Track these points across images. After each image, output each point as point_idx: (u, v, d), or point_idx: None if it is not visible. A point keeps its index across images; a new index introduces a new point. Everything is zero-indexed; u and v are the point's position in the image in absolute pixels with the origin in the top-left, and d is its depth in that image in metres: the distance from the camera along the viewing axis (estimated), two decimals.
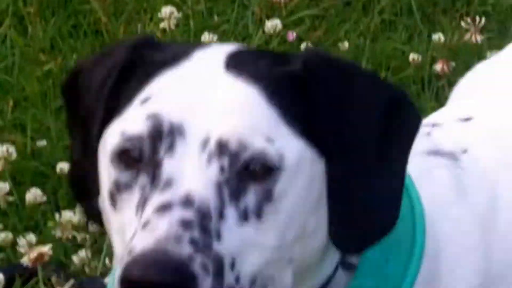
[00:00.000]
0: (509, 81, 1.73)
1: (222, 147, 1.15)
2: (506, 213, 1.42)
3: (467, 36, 3.82)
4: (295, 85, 1.21)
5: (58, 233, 2.89)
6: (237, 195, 1.15)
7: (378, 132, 1.22)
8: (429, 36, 3.91)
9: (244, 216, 1.15)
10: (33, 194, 3.03)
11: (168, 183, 1.13)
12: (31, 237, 2.81)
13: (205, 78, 1.21)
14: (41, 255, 2.70)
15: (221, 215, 1.13)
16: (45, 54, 3.87)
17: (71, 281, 2.70)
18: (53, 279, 2.72)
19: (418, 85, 3.73)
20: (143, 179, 1.16)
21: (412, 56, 3.75)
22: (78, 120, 1.30)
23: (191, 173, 1.14)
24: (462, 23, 3.86)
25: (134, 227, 1.13)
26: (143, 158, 1.16)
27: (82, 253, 2.84)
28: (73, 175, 1.38)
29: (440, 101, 3.38)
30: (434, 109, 2.23)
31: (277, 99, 1.19)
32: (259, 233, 1.16)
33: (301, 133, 1.19)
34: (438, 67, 3.68)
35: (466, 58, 3.75)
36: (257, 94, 1.19)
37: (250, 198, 1.15)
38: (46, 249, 2.71)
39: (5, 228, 2.98)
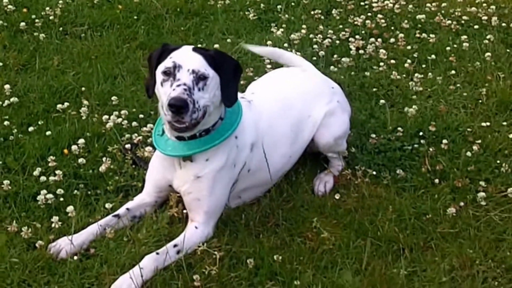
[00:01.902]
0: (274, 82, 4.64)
1: (193, 71, 3.77)
2: (264, 126, 4.24)
3: None
4: (211, 57, 3.88)
5: None
6: (197, 83, 3.77)
7: (231, 74, 3.94)
8: None
9: (199, 89, 3.77)
10: None
11: (178, 79, 3.76)
12: None
13: (185, 53, 3.87)
14: None
15: (193, 88, 3.75)
16: None
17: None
18: None
19: None
20: (171, 78, 3.79)
21: None
22: (150, 68, 3.96)
23: (185, 77, 3.76)
24: None
25: (169, 91, 3.73)
26: (170, 73, 3.79)
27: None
28: (147, 86, 4.01)
29: None
30: None
31: (206, 59, 3.85)
32: (204, 93, 3.79)
33: (214, 69, 3.85)
34: None
35: None
36: (201, 58, 3.85)
37: (200, 84, 3.78)
38: None
39: None
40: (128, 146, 4.58)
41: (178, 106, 3.66)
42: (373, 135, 4.93)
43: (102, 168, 4.35)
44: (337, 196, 4.44)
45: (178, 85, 3.72)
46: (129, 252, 3.88)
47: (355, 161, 4.76)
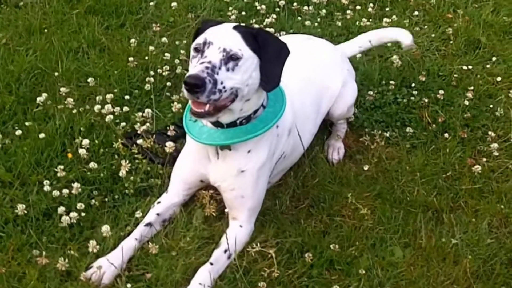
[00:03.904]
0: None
1: (224, 49, 3.17)
2: (297, 108, 3.72)
3: None
4: (253, 36, 3.25)
5: None
6: (227, 63, 3.16)
7: (274, 56, 3.30)
8: None
9: (227, 69, 3.16)
10: None
11: (205, 57, 3.16)
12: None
13: (222, 30, 3.28)
14: None
15: (220, 68, 3.14)
16: None
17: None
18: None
19: None
20: (199, 55, 3.20)
21: None
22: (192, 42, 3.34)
23: (213, 55, 3.16)
24: None
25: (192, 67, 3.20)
26: (201, 49, 3.21)
27: None
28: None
29: None
30: None
31: (245, 38, 3.23)
32: (234, 74, 3.18)
33: (252, 50, 3.23)
34: None
35: None
36: (239, 36, 3.24)
37: (230, 64, 3.17)
38: None
39: None
40: (131, 137, 4.01)
41: (192, 84, 3.06)
42: (370, 92, 4.58)
43: (123, 172, 3.71)
44: (352, 164, 4.18)
45: (202, 62, 3.14)
46: (181, 267, 3.37)
47: (355, 120, 4.44)
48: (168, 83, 4.50)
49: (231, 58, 3.17)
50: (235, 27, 3.29)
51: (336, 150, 4.23)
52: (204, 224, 3.60)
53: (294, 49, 3.83)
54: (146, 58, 4.68)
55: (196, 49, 3.23)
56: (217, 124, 3.37)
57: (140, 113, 4.16)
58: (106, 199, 3.68)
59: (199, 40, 3.24)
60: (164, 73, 4.54)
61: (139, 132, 4.00)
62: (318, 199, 3.87)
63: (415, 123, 4.45)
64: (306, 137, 3.89)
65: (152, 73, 4.53)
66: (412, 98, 4.58)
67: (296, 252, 3.54)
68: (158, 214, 3.58)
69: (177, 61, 4.68)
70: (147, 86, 4.41)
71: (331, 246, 3.54)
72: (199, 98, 3.09)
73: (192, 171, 3.60)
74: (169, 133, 3.99)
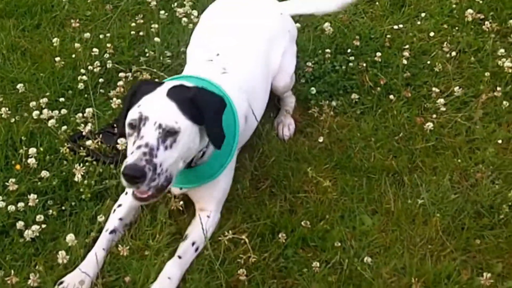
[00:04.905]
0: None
1: (160, 125, 3.04)
2: (248, 90, 3.67)
3: None
4: (189, 101, 3.12)
5: None
6: (164, 141, 3.04)
7: (215, 115, 3.19)
8: None
9: (165, 148, 3.03)
10: None
11: (142, 137, 3.03)
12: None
13: (156, 99, 3.14)
14: None
15: (158, 148, 3.00)
16: None
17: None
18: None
19: None
20: (135, 133, 3.06)
21: None
22: (122, 110, 3.24)
23: (149, 134, 3.03)
24: None
25: (129, 153, 3.02)
26: (136, 125, 3.06)
27: None
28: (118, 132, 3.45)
29: None
30: None
31: (180, 107, 3.10)
32: (172, 152, 3.06)
33: (189, 118, 3.10)
34: None
35: None
36: (174, 106, 3.10)
37: (168, 141, 3.05)
38: None
39: None
40: (76, 140, 3.94)
41: (132, 177, 2.97)
42: (309, 64, 4.61)
43: (78, 177, 3.61)
44: (304, 138, 4.22)
45: (139, 147, 3.02)
46: (155, 266, 3.34)
47: (298, 93, 4.47)
48: (101, 79, 4.42)
49: (168, 134, 3.08)
50: (169, 94, 3.15)
51: (287, 126, 4.23)
52: (170, 219, 3.57)
53: (233, 14, 3.89)
54: (73, 56, 4.57)
55: (132, 125, 3.12)
56: None
57: (80, 114, 4.07)
58: (63, 208, 3.61)
59: (134, 115, 3.12)
60: (95, 70, 4.45)
61: (84, 133, 3.92)
62: (278, 178, 3.88)
63: (357, 89, 4.50)
64: (258, 112, 3.83)
65: (83, 71, 4.43)
66: (350, 64, 4.63)
67: (267, 234, 3.57)
68: (120, 219, 3.52)
69: (106, 55, 4.59)
70: (80, 85, 4.32)
71: (302, 223, 3.57)
72: (139, 188, 3.03)
73: None
74: (115, 130, 3.91)
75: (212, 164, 3.42)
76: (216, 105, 3.23)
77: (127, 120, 3.14)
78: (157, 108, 3.11)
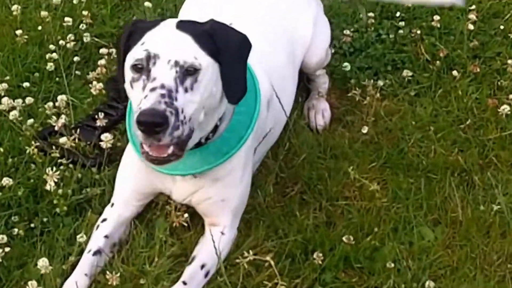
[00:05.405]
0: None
1: (176, 63, 3.09)
2: (271, 70, 3.77)
3: None
4: (208, 36, 3.19)
5: None
6: (182, 81, 3.09)
7: (236, 55, 3.25)
8: None
9: (185, 90, 3.09)
10: None
11: (154, 79, 3.07)
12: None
13: (166, 33, 3.20)
14: None
15: (177, 90, 3.05)
16: None
17: None
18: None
19: None
20: (143, 76, 3.11)
21: None
22: (117, 57, 3.38)
23: (163, 74, 3.07)
24: None
25: (140, 98, 3.04)
26: (143, 68, 3.11)
27: None
28: (117, 85, 3.45)
29: None
30: None
31: (199, 40, 3.16)
32: (193, 95, 3.11)
33: (209, 55, 3.17)
34: None
35: None
36: (190, 39, 3.17)
37: (188, 82, 3.10)
38: None
39: None
40: (46, 137, 4.04)
41: (151, 124, 2.98)
42: (347, 32, 4.69)
43: (50, 184, 3.65)
44: (343, 128, 4.31)
45: (153, 89, 3.03)
46: None
47: (334, 70, 4.56)
48: (76, 58, 4.50)
49: (187, 73, 3.11)
50: (180, 27, 3.22)
51: (320, 113, 4.33)
52: (172, 237, 3.63)
53: None
54: (39, 28, 4.66)
55: (137, 68, 3.14)
56: None
57: (50, 103, 4.14)
58: (32, 225, 3.67)
59: (138, 54, 3.14)
60: (68, 45, 4.53)
61: (56, 128, 3.99)
62: (311, 181, 3.94)
63: (410, 64, 4.58)
64: (287, 101, 3.94)
65: (52, 47, 4.51)
66: (400, 31, 4.72)
67: (299, 254, 3.61)
68: (106, 237, 3.58)
69: (82, 26, 4.67)
70: (50, 66, 4.40)
71: (343, 239, 3.61)
72: (161, 140, 3.03)
73: (147, 181, 3.63)
74: (98, 123, 3.98)
75: (229, 138, 3.47)
76: (238, 42, 3.29)
77: (130, 62, 3.16)
78: (170, 43, 3.17)
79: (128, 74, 3.17)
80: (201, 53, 3.15)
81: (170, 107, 2.99)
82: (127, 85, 3.19)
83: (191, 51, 3.14)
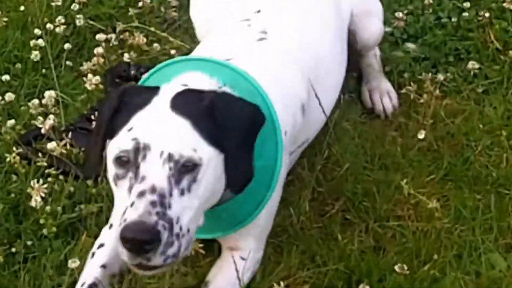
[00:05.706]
0: None
1: (170, 157, 2.90)
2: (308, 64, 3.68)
3: None
4: (207, 115, 2.99)
5: None
6: (178, 181, 2.89)
7: (244, 139, 3.07)
8: None
9: (181, 192, 2.90)
10: None
11: (143, 178, 2.87)
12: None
13: (159, 115, 2.99)
14: None
15: (170, 194, 2.86)
16: None
17: None
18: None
19: None
20: (130, 174, 2.91)
21: None
22: (96, 132, 3.20)
23: (154, 172, 2.88)
24: None
25: (126, 205, 2.85)
26: (130, 162, 2.92)
27: None
28: (90, 162, 3.33)
29: None
30: None
31: (198, 125, 2.96)
32: (192, 198, 2.93)
33: (212, 143, 2.97)
34: None
35: None
36: (187, 124, 2.96)
37: (184, 182, 2.91)
38: None
39: None
40: (30, 142, 4.04)
41: (139, 241, 2.80)
42: (399, 14, 4.71)
43: (37, 200, 3.61)
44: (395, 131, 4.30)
45: (141, 194, 2.82)
46: None
47: (385, 61, 4.59)
48: (67, 45, 4.52)
49: (184, 170, 2.91)
50: (176, 106, 3.02)
51: (386, 95, 4.40)
52: (185, 265, 3.60)
53: None
54: (22, 9, 4.71)
55: (121, 162, 2.94)
56: None
57: (35, 101, 4.14)
58: (13, 250, 3.65)
59: (124, 143, 2.93)
60: (57, 29, 4.55)
61: (43, 131, 3.97)
62: (355, 197, 3.92)
63: (477, 54, 4.58)
64: (330, 97, 3.92)
65: (38, 31, 4.53)
66: (464, 14, 4.73)
67: (341, 285, 3.57)
68: (104, 266, 3.47)
69: (74, 5, 4.70)
70: (35, 55, 4.42)
71: (396, 267, 3.55)
72: (150, 260, 2.85)
73: None
74: (93, 125, 3.94)
75: (245, 201, 3.38)
76: (247, 119, 3.10)
77: (114, 152, 2.97)
78: (162, 130, 2.94)
79: (111, 168, 2.97)
80: (201, 144, 2.94)
81: (163, 219, 2.79)
82: (110, 181, 3.00)
83: (188, 141, 2.93)
